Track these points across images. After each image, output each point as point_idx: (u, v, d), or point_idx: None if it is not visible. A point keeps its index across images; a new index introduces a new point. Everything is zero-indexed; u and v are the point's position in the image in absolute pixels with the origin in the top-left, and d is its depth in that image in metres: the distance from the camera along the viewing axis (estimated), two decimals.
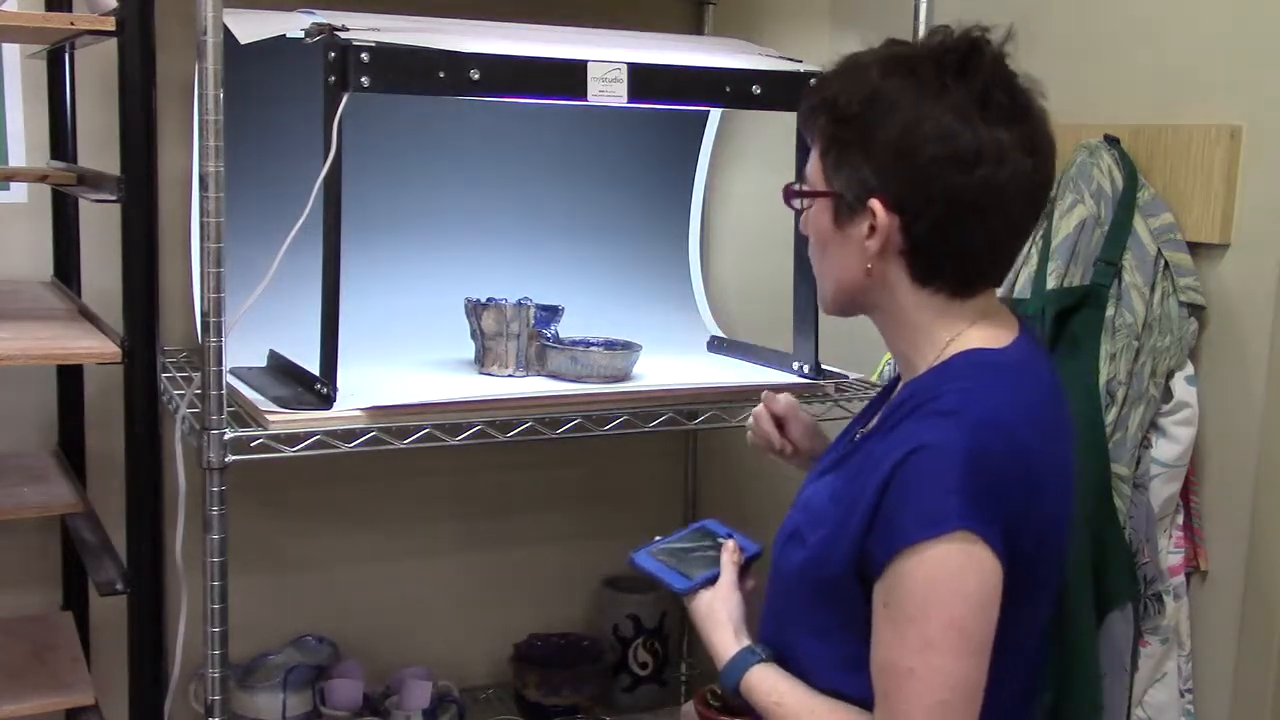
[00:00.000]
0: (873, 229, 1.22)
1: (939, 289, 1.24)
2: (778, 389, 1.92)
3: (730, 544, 1.41)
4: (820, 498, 1.28)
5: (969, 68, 1.21)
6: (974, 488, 1.12)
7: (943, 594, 1.12)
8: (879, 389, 1.95)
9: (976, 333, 1.25)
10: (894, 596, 1.15)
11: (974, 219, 1.20)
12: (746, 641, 1.33)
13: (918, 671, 1.13)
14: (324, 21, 1.61)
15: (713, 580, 1.38)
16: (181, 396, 1.65)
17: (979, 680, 1.14)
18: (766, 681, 1.28)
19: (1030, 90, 1.25)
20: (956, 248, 1.22)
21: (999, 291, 1.69)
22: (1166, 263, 1.63)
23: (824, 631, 1.25)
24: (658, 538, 1.48)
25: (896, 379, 1.40)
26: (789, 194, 1.32)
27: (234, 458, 1.55)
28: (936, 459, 1.14)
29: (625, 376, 1.92)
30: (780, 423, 1.56)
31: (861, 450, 1.27)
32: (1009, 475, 1.15)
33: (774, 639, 1.32)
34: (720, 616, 1.35)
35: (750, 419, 1.58)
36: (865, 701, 1.20)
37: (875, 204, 1.21)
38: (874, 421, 1.32)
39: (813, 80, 1.30)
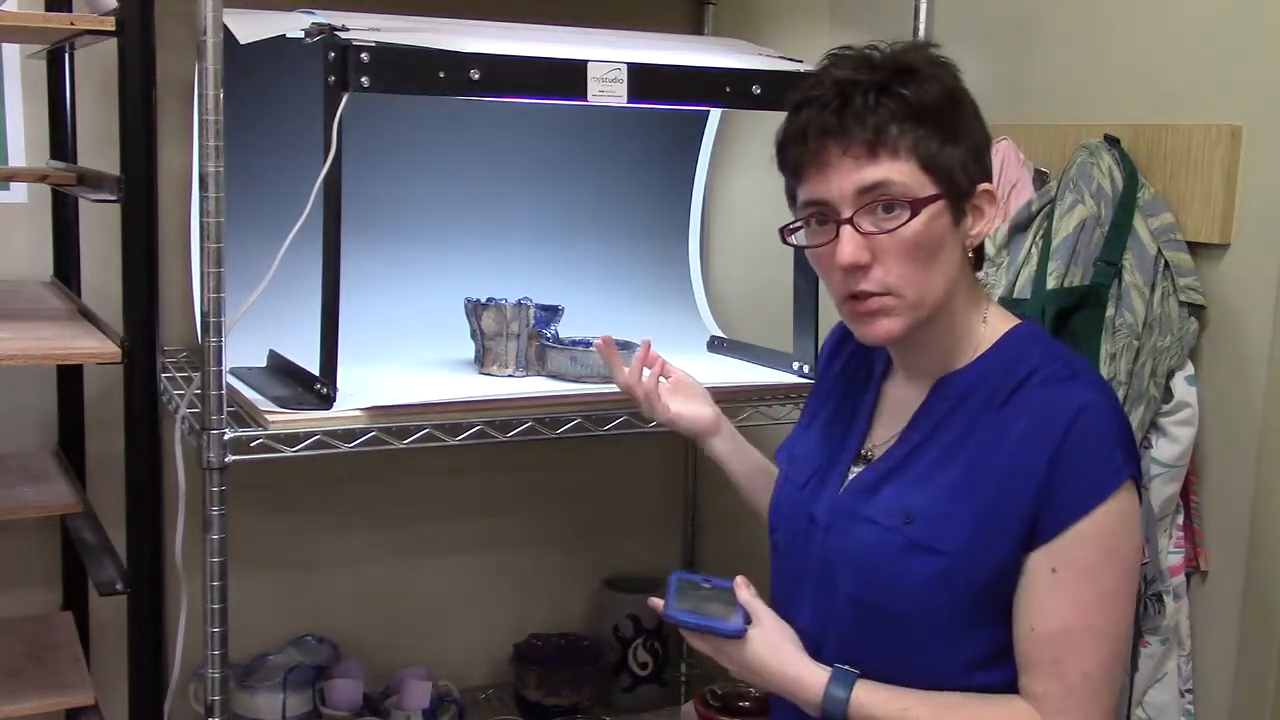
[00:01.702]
0: (980, 213, 1.26)
1: (974, 265, 1.30)
2: (776, 390, 1.94)
3: (741, 579, 1.32)
4: (925, 503, 1.23)
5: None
6: (1127, 436, 1.20)
7: (1119, 545, 1.18)
8: None
9: (996, 311, 1.31)
10: (1067, 559, 1.17)
11: None
12: (825, 666, 1.27)
13: (1098, 627, 1.17)
14: (324, 21, 1.61)
15: (747, 619, 1.29)
16: (181, 396, 1.65)
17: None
18: (881, 693, 1.23)
19: None
20: None
21: (999, 293, 1.70)
22: (1166, 263, 1.63)
23: (963, 638, 1.22)
24: (656, 599, 1.35)
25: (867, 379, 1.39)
26: (918, 205, 1.20)
27: (234, 458, 1.55)
28: (1097, 418, 1.18)
29: None
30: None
31: (941, 446, 1.25)
32: (1131, 428, 1.24)
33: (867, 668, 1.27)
34: (788, 649, 1.28)
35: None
36: (990, 689, 1.21)
37: (988, 186, 1.26)
38: (919, 420, 1.29)
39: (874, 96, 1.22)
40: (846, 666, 1.25)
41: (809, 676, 1.25)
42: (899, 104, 1.20)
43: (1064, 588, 1.17)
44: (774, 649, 1.28)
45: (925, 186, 1.21)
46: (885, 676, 1.24)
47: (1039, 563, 1.18)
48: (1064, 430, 1.16)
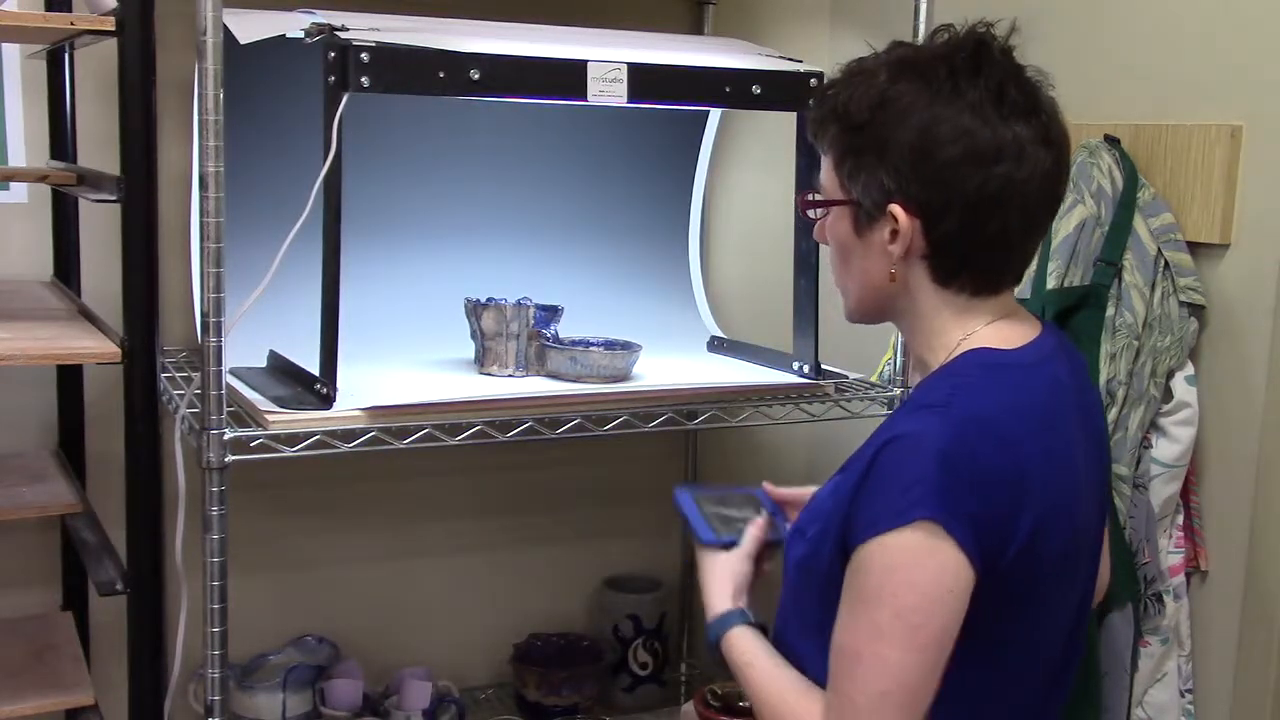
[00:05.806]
0: (894, 234, 1.22)
1: (961, 289, 1.25)
2: (776, 389, 1.94)
3: (761, 519, 1.43)
4: (823, 494, 1.29)
5: (981, 65, 1.21)
6: (945, 480, 1.12)
7: (897, 583, 1.12)
8: (878, 389, 1.97)
9: (989, 332, 1.25)
10: (854, 581, 1.16)
11: (995, 217, 1.20)
12: (741, 605, 1.35)
13: (864, 658, 1.13)
14: (324, 21, 1.61)
15: (735, 544, 1.41)
16: (181, 396, 1.65)
17: (927, 676, 1.13)
18: (744, 642, 1.31)
19: (1040, 83, 1.25)
20: (979, 246, 1.22)
21: None
22: (1167, 263, 1.63)
23: (818, 627, 1.25)
24: (714, 484, 1.50)
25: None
26: (805, 204, 1.33)
27: (234, 458, 1.55)
28: (910, 449, 1.14)
29: (625, 376, 1.92)
30: None
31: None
32: (990, 472, 1.14)
33: (780, 635, 1.33)
34: (724, 575, 1.38)
35: None
36: None
37: (895, 209, 1.21)
38: None
39: (818, 87, 1.30)
40: (749, 611, 1.35)
41: (717, 605, 1.36)
42: (835, 106, 1.25)
43: (848, 607, 1.16)
44: (713, 570, 1.39)
45: (839, 190, 1.27)
46: (790, 658, 1.30)
47: (845, 578, 1.18)
48: (874, 453, 1.16)
